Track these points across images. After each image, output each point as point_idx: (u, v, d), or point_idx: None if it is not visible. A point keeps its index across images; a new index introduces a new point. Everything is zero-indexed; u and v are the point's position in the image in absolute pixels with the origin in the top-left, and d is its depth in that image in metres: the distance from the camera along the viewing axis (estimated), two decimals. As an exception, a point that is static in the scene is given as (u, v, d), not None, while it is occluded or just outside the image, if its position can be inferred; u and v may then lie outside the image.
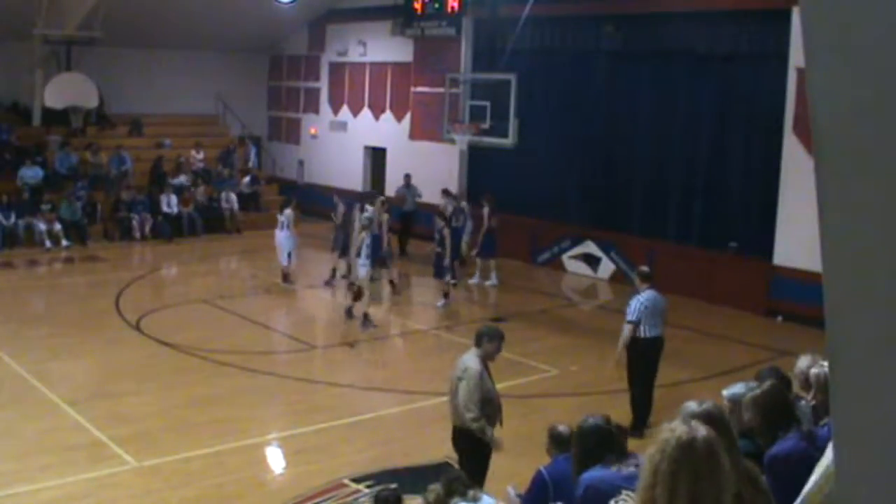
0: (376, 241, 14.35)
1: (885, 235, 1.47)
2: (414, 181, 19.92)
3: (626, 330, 9.54)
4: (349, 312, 14.16)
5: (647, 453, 2.55)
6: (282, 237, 16.36)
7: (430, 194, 20.76)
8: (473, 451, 7.18)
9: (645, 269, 10.14)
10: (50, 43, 20.71)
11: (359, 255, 13.87)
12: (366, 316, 13.81)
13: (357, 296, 13.99)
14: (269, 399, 10.90)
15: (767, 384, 4.74)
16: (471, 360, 7.20)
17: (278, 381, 11.32)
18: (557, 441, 5.94)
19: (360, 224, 14.12)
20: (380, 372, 12.07)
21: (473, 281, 17.03)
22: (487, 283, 16.94)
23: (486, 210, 16.68)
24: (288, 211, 16.49)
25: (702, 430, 2.52)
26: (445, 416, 10.55)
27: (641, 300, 9.51)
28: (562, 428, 5.98)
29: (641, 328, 9.49)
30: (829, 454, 3.49)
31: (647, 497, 2.47)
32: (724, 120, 16.21)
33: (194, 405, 10.28)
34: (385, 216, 15.60)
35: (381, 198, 16.19)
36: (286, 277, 16.51)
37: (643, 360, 9.65)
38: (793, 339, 12.42)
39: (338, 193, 18.60)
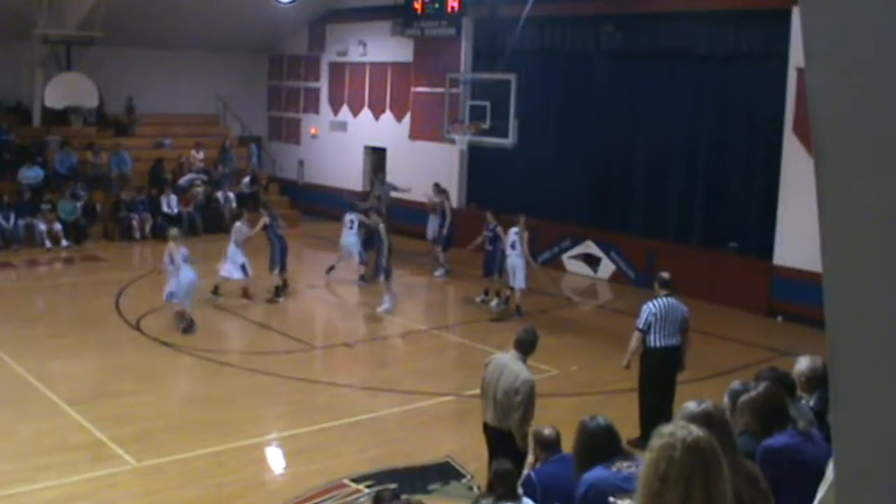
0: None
1: (885, 235, 1.47)
2: (412, 180, 19.90)
3: (634, 338, 9.17)
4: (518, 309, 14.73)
5: (647, 460, 2.51)
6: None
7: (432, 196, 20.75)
8: (510, 450, 7.17)
9: (665, 275, 9.51)
10: (50, 43, 20.71)
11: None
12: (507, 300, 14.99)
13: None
14: (269, 399, 10.89)
15: (762, 386, 4.73)
16: (522, 369, 7.15)
17: (278, 381, 11.31)
18: (545, 444, 5.95)
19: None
20: (380, 372, 12.07)
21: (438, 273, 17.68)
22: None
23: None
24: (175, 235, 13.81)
25: (698, 430, 2.52)
26: (445, 416, 10.63)
27: (652, 308, 9.07)
28: (547, 431, 5.99)
29: (652, 337, 9.06)
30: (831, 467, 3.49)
31: None
32: (724, 120, 16.20)
33: (194, 405, 10.28)
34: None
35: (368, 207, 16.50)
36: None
37: (654, 370, 9.17)
38: (793, 339, 12.44)
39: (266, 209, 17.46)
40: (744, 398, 4.62)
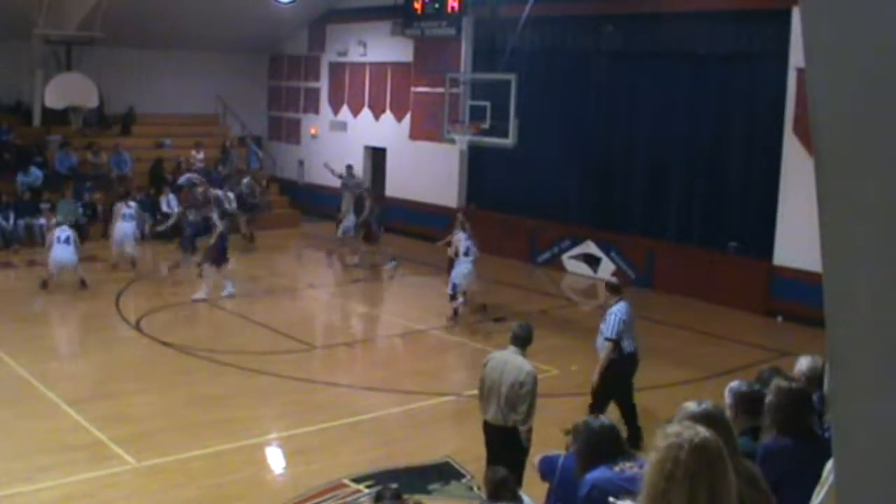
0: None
1: (885, 235, 1.47)
2: (408, 180, 19.95)
3: (607, 349, 9.10)
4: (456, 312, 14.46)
5: (652, 460, 2.51)
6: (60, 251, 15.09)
7: (431, 195, 20.79)
8: (512, 448, 7.18)
9: (614, 280, 9.73)
10: (50, 43, 20.70)
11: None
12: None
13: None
14: (269, 399, 10.89)
15: (795, 383, 4.66)
16: (524, 362, 7.26)
17: (278, 381, 11.31)
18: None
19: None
20: (380, 372, 12.07)
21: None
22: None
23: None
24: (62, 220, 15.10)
25: (705, 431, 2.52)
26: (445, 416, 10.62)
27: (618, 315, 9.08)
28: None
29: (624, 343, 9.10)
30: (829, 467, 3.48)
31: None
32: (724, 120, 16.20)
33: (194, 405, 10.28)
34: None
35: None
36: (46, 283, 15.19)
37: (627, 375, 9.22)
38: (793, 339, 12.43)
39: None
40: (768, 399, 4.52)
